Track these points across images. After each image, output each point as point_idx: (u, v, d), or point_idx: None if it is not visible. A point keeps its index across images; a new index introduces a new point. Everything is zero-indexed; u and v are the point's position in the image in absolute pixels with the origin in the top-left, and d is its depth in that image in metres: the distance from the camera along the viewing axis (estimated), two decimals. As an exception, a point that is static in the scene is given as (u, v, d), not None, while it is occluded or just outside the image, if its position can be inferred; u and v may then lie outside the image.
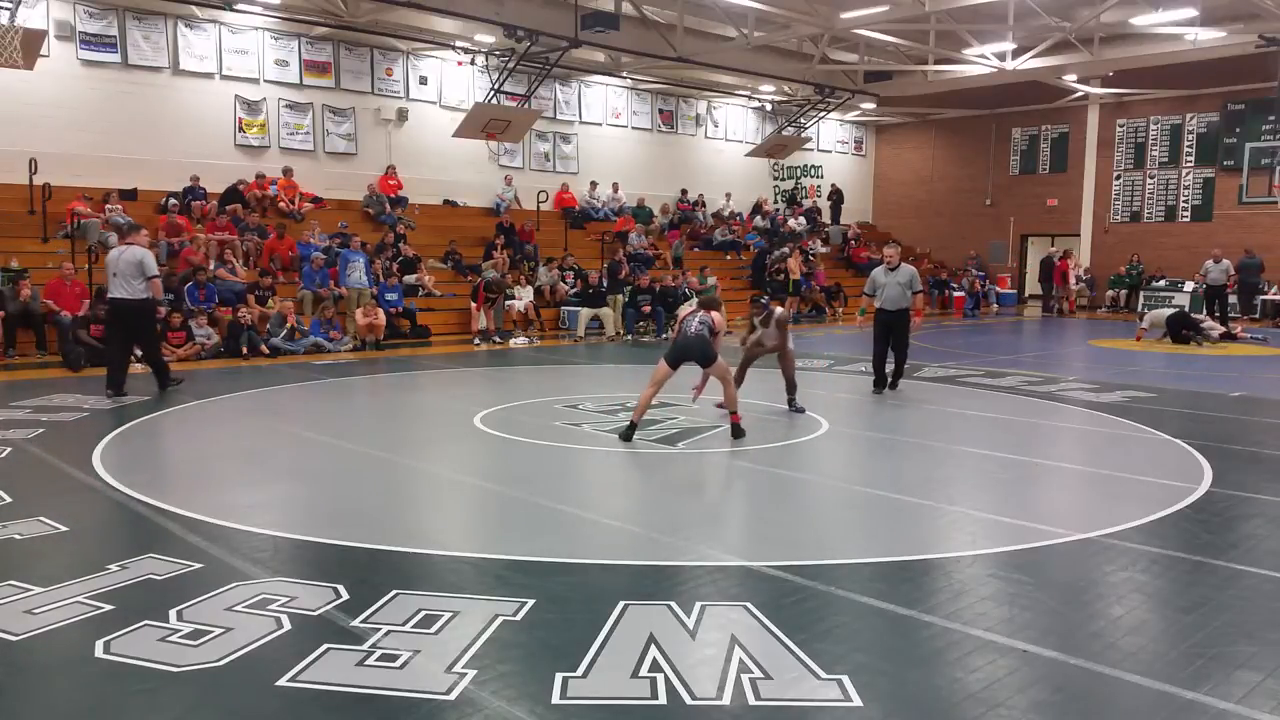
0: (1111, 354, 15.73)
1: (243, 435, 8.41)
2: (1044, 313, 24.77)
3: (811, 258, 24.03)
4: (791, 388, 9.35)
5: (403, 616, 4.10)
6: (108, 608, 4.18)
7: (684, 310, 9.19)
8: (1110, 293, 25.25)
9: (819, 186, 28.42)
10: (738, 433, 8.07)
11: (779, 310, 9.45)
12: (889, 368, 10.80)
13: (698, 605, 4.26)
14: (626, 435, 7.95)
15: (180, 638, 3.89)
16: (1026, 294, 27.45)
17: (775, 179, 27.80)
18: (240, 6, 16.83)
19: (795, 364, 9.53)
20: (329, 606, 4.22)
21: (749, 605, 4.28)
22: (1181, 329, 17.17)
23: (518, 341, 16.44)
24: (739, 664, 3.68)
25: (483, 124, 18.33)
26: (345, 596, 4.33)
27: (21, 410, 9.09)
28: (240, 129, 18.25)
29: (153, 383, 10.46)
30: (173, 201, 16.68)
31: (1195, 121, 24.37)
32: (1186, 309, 21.08)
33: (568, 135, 23.12)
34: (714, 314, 8.31)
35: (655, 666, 3.65)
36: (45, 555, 5.00)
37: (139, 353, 10.99)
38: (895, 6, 17.77)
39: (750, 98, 26.05)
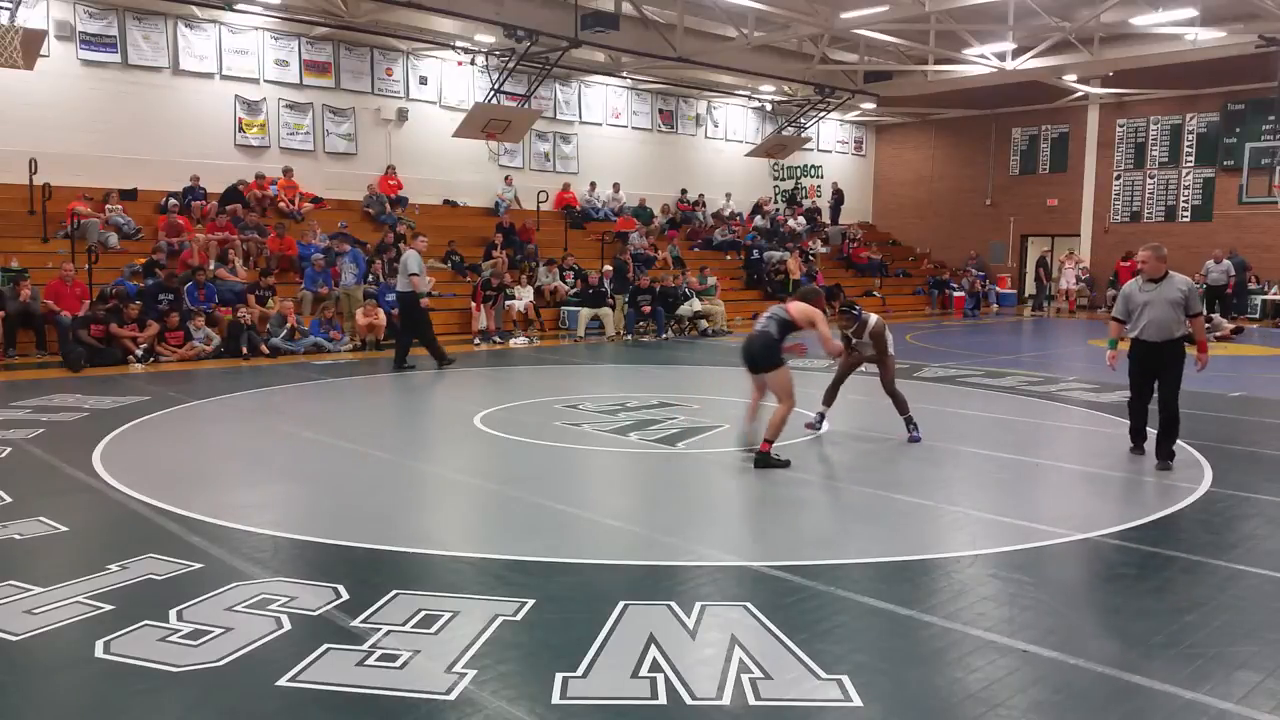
0: (1111, 354, 15.69)
1: (243, 435, 8.41)
2: (1033, 311, 25.01)
3: (811, 258, 24.03)
4: (901, 407, 8.16)
5: (403, 616, 4.10)
6: (108, 608, 4.19)
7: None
8: (1110, 293, 25.25)
9: (819, 186, 28.43)
10: (763, 462, 6.93)
11: (873, 319, 8.20)
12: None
13: (698, 605, 4.26)
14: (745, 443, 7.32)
15: (180, 638, 3.89)
16: (1026, 294, 27.47)
17: (775, 179, 27.79)
18: (240, 6, 16.83)
19: (896, 377, 8.32)
20: (329, 606, 4.22)
21: (749, 605, 4.28)
22: None
23: (518, 341, 16.43)
24: (739, 664, 3.68)
25: (483, 124, 18.33)
26: (345, 596, 4.33)
27: (21, 410, 9.09)
28: (240, 129, 18.24)
29: (426, 362, 12.81)
30: (173, 201, 16.68)
31: (1195, 121, 24.36)
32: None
33: (568, 135, 23.11)
34: (793, 306, 7.17)
35: (655, 666, 3.65)
36: (45, 555, 5.00)
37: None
38: (895, 6, 17.77)
39: (750, 98, 26.04)
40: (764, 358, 7.05)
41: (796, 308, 7.16)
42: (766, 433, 7.01)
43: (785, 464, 7.05)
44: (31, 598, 4.31)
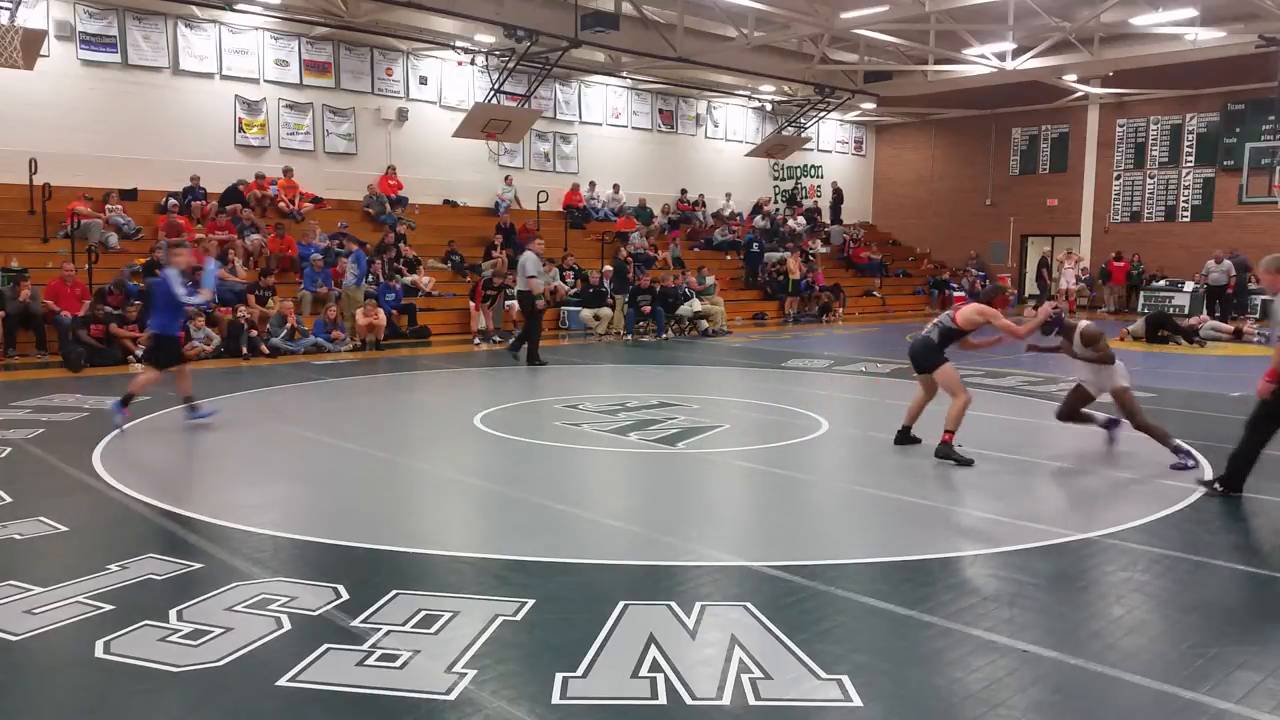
0: (1111, 354, 15.67)
1: (242, 435, 8.41)
2: (1033, 311, 25.03)
3: (811, 258, 24.02)
4: (1159, 435, 7.15)
5: (403, 616, 4.10)
6: (108, 608, 4.19)
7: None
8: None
9: (819, 186, 28.43)
10: (944, 453, 7.02)
11: (1083, 323, 7.59)
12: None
13: (698, 605, 4.26)
14: (900, 439, 7.64)
15: (180, 638, 3.89)
16: (1026, 294, 27.46)
17: (775, 179, 27.79)
18: (240, 6, 16.82)
19: (1135, 399, 7.37)
20: (329, 606, 4.22)
21: (749, 605, 4.28)
22: (1158, 330, 17.16)
23: (518, 341, 16.41)
24: (739, 664, 3.68)
25: (483, 124, 18.32)
26: (345, 596, 4.33)
27: (21, 410, 9.08)
28: (240, 129, 18.24)
29: (545, 355, 13.52)
30: (173, 201, 16.67)
31: (1195, 121, 24.35)
32: (1187, 310, 21.09)
33: (568, 135, 23.11)
34: (959, 312, 7.29)
35: (655, 666, 3.65)
36: (45, 555, 5.00)
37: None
38: (895, 6, 17.77)
39: (750, 98, 26.04)
40: (923, 360, 7.33)
41: (962, 314, 7.31)
42: (946, 424, 7.10)
43: (969, 462, 7.02)
44: (31, 598, 4.31)
